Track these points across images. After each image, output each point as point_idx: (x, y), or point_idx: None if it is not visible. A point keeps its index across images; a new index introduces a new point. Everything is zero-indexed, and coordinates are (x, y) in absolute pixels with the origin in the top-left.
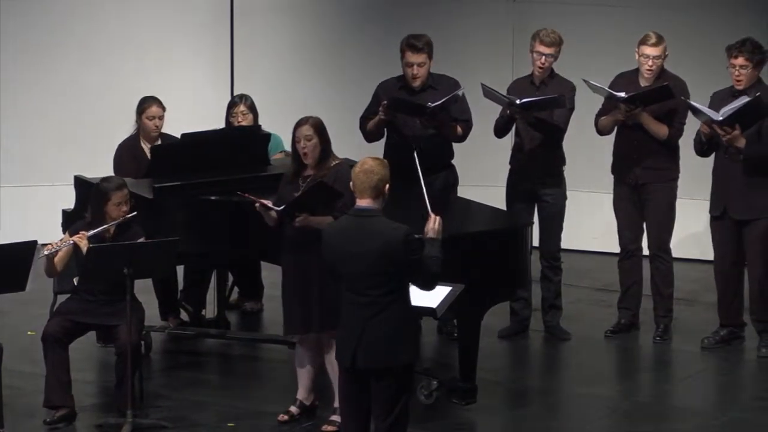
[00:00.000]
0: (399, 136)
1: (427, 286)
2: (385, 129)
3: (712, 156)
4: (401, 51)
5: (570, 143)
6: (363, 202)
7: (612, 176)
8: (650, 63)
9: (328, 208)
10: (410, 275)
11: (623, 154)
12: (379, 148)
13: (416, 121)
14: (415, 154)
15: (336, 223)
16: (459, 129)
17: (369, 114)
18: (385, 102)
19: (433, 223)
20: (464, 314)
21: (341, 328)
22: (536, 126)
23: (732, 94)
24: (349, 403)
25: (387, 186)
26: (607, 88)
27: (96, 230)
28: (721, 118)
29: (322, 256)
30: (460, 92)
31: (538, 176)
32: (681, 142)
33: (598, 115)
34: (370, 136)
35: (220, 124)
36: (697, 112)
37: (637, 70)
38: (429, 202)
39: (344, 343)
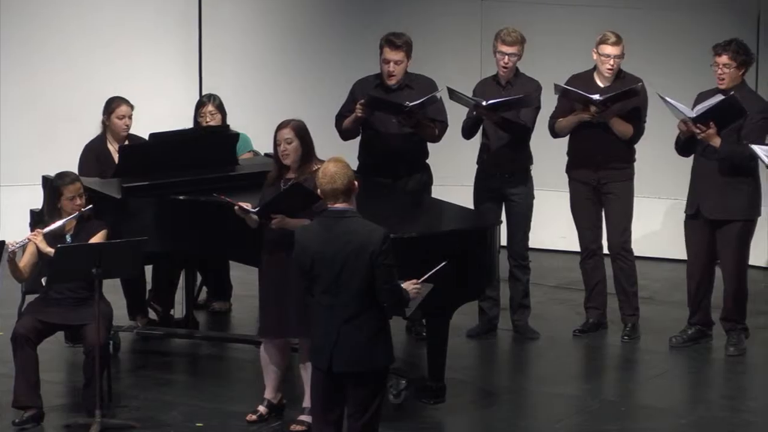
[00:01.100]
0: (375, 135)
1: (386, 297)
2: (360, 127)
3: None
4: (380, 48)
5: (537, 142)
6: (337, 205)
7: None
8: (611, 62)
9: (305, 210)
10: (376, 279)
11: (583, 154)
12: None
13: (393, 119)
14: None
15: (310, 225)
16: (434, 129)
17: (345, 112)
18: (362, 100)
19: (416, 285)
20: (433, 314)
21: (315, 330)
22: (503, 126)
23: (716, 94)
24: (323, 405)
25: (355, 184)
26: (579, 91)
27: (51, 227)
28: (694, 116)
29: (295, 258)
30: (438, 94)
31: (505, 176)
32: (643, 140)
33: (553, 118)
34: (345, 134)
35: (189, 124)
36: (671, 108)
37: (591, 71)
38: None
39: (320, 345)
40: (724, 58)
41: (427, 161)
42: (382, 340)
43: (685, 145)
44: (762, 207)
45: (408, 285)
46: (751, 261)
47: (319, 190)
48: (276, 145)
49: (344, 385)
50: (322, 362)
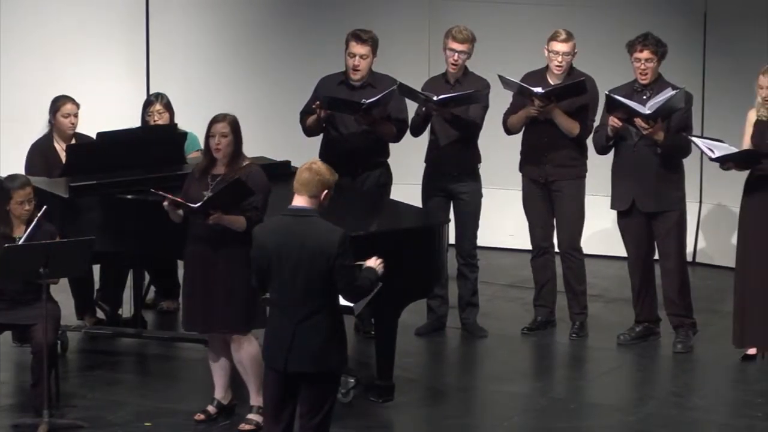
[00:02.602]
0: (336, 135)
1: (351, 296)
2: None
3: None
4: (346, 42)
5: (485, 141)
6: (299, 201)
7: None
8: (560, 59)
9: (238, 206)
10: (338, 280)
11: (533, 152)
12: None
13: (353, 119)
14: None
15: (269, 223)
16: (393, 128)
17: (309, 109)
18: (318, 101)
19: (375, 264)
20: (381, 312)
21: (271, 330)
22: (453, 122)
23: (634, 89)
24: (275, 405)
25: (326, 192)
26: (522, 84)
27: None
28: (648, 112)
29: (252, 256)
30: (395, 88)
31: (453, 174)
32: (591, 138)
33: (507, 114)
34: (308, 131)
35: (136, 123)
36: (619, 105)
37: (545, 69)
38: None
39: (275, 345)
40: (646, 53)
41: (388, 161)
42: (337, 341)
43: (612, 140)
44: (699, 203)
45: (373, 263)
46: (698, 258)
47: (295, 178)
48: (209, 136)
49: (297, 385)
50: (276, 362)
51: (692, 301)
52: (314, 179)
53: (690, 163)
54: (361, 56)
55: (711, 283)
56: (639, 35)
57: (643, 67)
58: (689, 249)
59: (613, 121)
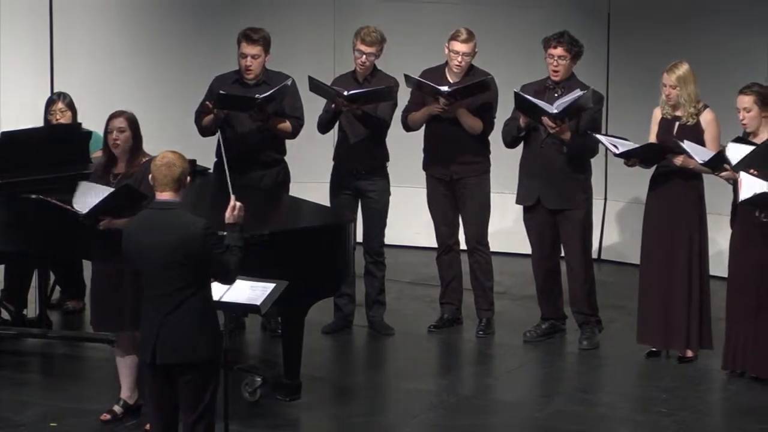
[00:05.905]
0: (232, 133)
1: (227, 279)
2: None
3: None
4: (237, 43)
5: (392, 139)
6: (164, 196)
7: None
8: (459, 59)
9: (134, 210)
10: (210, 269)
11: (436, 150)
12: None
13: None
14: (219, 139)
15: (137, 217)
16: (288, 125)
17: (204, 109)
18: (211, 101)
19: (233, 210)
20: (288, 311)
21: (143, 323)
22: (362, 119)
23: (546, 86)
24: (154, 400)
25: (188, 177)
26: (429, 82)
27: None
28: (556, 111)
29: (123, 251)
30: (288, 82)
31: (362, 172)
32: (496, 135)
33: (405, 112)
34: (204, 131)
35: (39, 122)
36: (528, 104)
37: (444, 66)
38: (231, 187)
39: (145, 339)
40: (559, 50)
41: (285, 158)
42: (207, 332)
43: (518, 137)
44: (605, 200)
45: (229, 214)
46: (604, 255)
47: (150, 176)
48: (107, 133)
49: (173, 378)
50: (146, 355)
51: (597, 298)
52: (174, 173)
53: (595, 161)
54: (252, 56)
55: (616, 279)
56: (556, 32)
57: (555, 63)
58: (595, 246)
59: (523, 118)
